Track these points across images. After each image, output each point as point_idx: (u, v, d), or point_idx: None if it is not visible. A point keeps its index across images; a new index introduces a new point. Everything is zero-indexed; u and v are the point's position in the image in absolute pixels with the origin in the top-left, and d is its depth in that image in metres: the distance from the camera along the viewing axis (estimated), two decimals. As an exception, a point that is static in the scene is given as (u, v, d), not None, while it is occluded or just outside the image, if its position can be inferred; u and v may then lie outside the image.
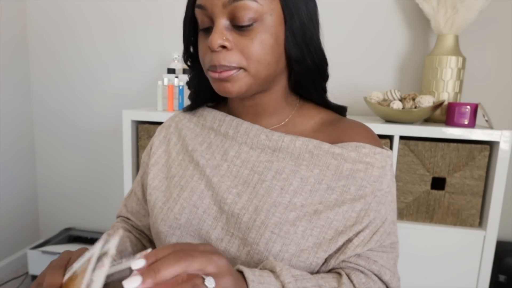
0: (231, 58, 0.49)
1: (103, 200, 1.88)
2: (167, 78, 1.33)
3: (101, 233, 1.76)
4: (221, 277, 0.39)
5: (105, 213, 1.89)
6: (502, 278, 1.31)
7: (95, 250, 0.40)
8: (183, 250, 0.38)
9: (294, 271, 0.47)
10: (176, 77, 1.35)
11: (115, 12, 1.69)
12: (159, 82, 1.32)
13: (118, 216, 0.72)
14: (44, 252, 1.64)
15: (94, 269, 0.37)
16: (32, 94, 1.86)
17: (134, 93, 1.74)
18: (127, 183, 1.32)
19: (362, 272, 0.52)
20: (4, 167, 1.75)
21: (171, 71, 1.40)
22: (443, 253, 1.17)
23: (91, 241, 1.80)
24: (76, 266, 0.41)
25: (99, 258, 0.38)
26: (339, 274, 0.51)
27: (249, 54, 0.49)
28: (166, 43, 1.66)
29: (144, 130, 1.30)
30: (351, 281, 0.50)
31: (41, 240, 1.92)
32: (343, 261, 0.51)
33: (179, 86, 1.32)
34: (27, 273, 1.76)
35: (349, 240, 0.51)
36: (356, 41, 1.50)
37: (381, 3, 1.46)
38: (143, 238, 0.68)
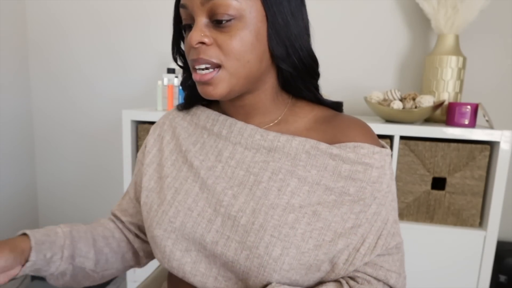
0: (210, 52, 0.49)
1: (103, 203, 1.87)
2: (167, 78, 1.33)
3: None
4: None
5: (105, 216, 1.86)
6: (502, 278, 1.31)
7: None
8: None
9: None
10: (176, 77, 1.35)
11: (115, 13, 1.69)
12: (159, 82, 1.32)
13: (112, 214, 0.73)
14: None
15: None
16: (32, 96, 1.85)
17: (134, 93, 1.74)
18: (127, 184, 1.31)
19: (367, 281, 0.52)
20: (4, 169, 1.74)
21: (171, 71, 1.40)
22: (443, 254, 1.17)
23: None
24: None
25: None
26: (340, 282, 0.51)
27: (228, 50, 0.49)
28: (166, 43, 1.66)
29: (144, 130, 1.30)
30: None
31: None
32: (354, 271, 0.51)
33: (179, 86, 1.32)
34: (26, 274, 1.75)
35: (356, 249, 0.51)
36: (356, 41, 1.50)
37: (381, 3, 1.45)
38: (129, 233, 0.70)
